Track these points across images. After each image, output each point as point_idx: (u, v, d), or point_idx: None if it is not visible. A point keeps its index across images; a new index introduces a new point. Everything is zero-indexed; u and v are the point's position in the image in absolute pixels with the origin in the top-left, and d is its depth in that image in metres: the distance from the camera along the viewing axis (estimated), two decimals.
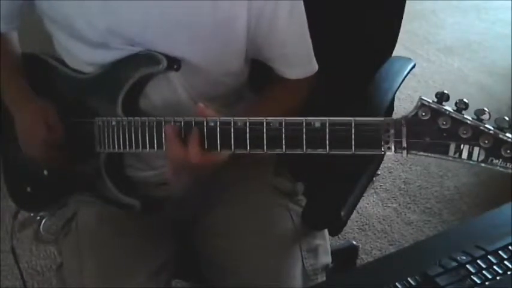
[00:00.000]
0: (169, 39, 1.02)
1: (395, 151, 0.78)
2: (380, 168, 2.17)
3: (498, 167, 0.73)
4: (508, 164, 0.72)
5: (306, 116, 0.83)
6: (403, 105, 2.48)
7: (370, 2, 1.27)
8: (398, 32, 1.30)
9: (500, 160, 0.72)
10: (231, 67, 1.11)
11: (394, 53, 1.32)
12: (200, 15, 1.02)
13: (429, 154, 0.76)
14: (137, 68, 1.03)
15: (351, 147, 0.80)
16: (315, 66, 1.14)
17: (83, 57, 1.09)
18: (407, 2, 1.27)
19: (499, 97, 2.77)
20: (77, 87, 1.12)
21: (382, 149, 0.78)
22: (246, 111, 1.08)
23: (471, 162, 0.74)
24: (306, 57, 1.13)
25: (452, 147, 0.75)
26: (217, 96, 1.12)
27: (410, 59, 1.35)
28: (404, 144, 0.77)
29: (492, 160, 0.73)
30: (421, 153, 0.76)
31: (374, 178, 2.20)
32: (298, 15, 1.08)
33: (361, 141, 0.79)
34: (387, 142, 0.78)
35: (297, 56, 1.12)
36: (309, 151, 0.83)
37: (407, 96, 2.62)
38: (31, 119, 1.10)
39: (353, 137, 0.79)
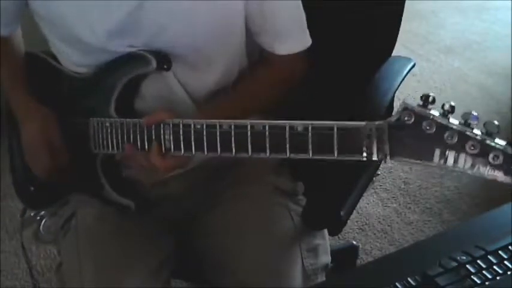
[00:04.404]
0: (167, 37, 1.02)
1: (377, 157, 0.74)
2: (380, 168, 2.18)
3: (485, 175, 0.68)
4: (496, 172, 0.67)
5: (302, 115, 0.82)
6: None
7: (370, 2, 1.27)
8: (398, 32, 1.30)
9: (488, 168, 0.67)
10: (231, 60, 1.11)
11: (394, 53, 1.33)
12: (196, 10, 1.01)
13: (413, 160, 0.72)
14: (127, 69, 1.03)
15: (334, 152, 0.77)
16: (308, 41, 1.13)
17: (78, 60, 1.09)
18: (407, 2, 1.27)
19: (499, 97, 2.77)
20: (74, 86, 1.12)
21: (365, 155, 0.75)
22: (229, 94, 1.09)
23: (456, 169, 0.69)
24: (298, 29, 1.12)
25: (437, 153, 0.70)
26: (217, 96, 1.12)
27: (410, 58, 1.35)
28: (387, 150, 0.73)
29: (479, 167, 0.68)
30: (405, 159, 0.72)
31: (374, 178, 2.20)
32: None
33: (343, 146, 0.76)
34: (370, 147, 0.74)
35: (288, 28, 1.11)
36: (292, 156, 0.80)
37: (407, 96, 2.62)
38: (34, 140, 1.11)
39: (335, 141, 0.76)
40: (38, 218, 1.91)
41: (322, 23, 1.15)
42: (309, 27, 1.11)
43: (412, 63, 1.33)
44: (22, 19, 1.19)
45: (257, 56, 1.16)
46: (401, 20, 1.29)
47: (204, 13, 1.02)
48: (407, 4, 1.27)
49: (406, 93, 2.61)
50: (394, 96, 1.26)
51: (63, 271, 1.13)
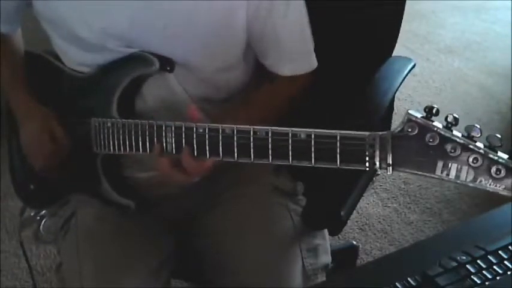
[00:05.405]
0: (165, 38, 1.02)
1: (380, 167, 0.74)
2: None
3: (487, 188, 0.69)
4: (498, 185, 0.68)
5: (301, 118, 0.82)
6: (403, 105, 2.48)
7: (370, 2, 1.27)
8: (398, 32, 1.30)
9: (490, 181, 0.68)
10: (230, 62, 1.11)
11: (394, 53, 1.32)
12: (196, 10, 1.01)
13: (416, 172, 0.72)
14: (130, 70, 1.03)
15: (336, 161, 0.77)
16: (313, 63, 1.13)
17: (80, 58, 1.09)
18: (407, 2, 1.27)
19: (499, 97, 2.77)
20: (75, 86, 1.12)
21: (367, 165, 0.75)
22: (232, 108, 1.09)
23: (458, 182, 0.70)
24: (303, 52, 1.13)
25: (439, 165, 0.70)
26: (219, 99, 1.12)
27: (410, 59, 1.35)
28: (390, 161, 0.73)
29: (481, 181, 0.69)
30: (408, 170, 0.73)
31: (374, 178, 2.20)
32: (297, 7, 1.08)
33: (346, 155, 0.76)
34: (372, 157, 0.74)
35: (293, 50, 1.11)
36: (295, 163, 0.81)
37: (407, 96, 2.62)
38: (34, 139, 1.11)
39: (338, 150, 0.76)
40: (38, 218, 1.91)
41: (322, 23, 1.15)
42: (309, 27, 1.11)
43: (412, 63, 1.33)
44: (22, 19, 1.19)
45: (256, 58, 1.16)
46: (401, 20, 1.29)
47: (204, 14, 1.02)
48: (407, 4, 1.27)
49: (406, 93, 2.61)
50: (394, 96, 1.26)
51: (63, 271, 1.13)
